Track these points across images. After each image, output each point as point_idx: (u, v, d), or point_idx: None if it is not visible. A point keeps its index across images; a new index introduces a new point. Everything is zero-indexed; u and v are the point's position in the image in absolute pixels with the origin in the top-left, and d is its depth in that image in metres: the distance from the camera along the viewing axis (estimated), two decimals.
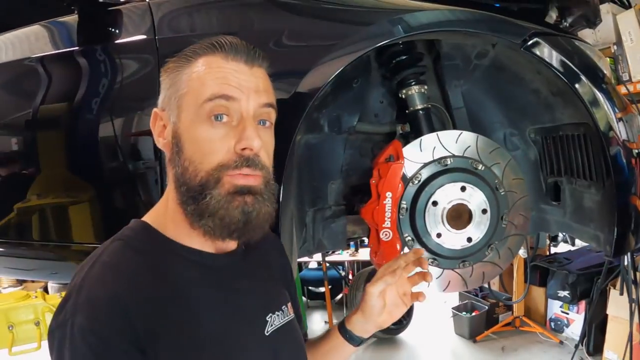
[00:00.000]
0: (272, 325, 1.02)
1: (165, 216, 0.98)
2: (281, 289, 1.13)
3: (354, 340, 1.17)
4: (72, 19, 1.57)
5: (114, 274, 0.87)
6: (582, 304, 4.56)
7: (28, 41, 1.68)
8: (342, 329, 1.17)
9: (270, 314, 1.03)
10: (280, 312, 1.06)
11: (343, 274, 6.34)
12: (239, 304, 0.98)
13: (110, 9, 1.50)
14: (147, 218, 1.00)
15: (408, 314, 5.59)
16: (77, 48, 1.55)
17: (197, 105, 0.91)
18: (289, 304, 1.11)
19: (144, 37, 1.44)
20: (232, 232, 0.92)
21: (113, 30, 1.50)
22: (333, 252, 5.50)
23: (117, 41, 1.49)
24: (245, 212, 0.91)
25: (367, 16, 1.40)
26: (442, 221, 1.41)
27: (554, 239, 5.80)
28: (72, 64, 1.57)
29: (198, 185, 0.91)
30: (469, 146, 1.43)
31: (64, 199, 1.58)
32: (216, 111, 0.91)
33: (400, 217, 1.42)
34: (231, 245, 1.02)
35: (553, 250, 5.69)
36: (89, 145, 1.48)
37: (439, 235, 1.42)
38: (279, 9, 1.47)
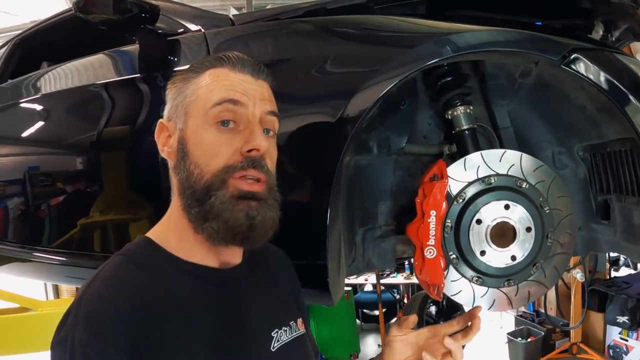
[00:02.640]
0: (278, 341, 1.01)
1: (168, 230, 0.99)
2: (290, 305, 1.13)
3: None
4: (133, 48, 1.69)
5: (113, 288, 0.87)
6: None
7: (93, 68, 1.81)
8: None
9: (277, 330, 1.02)
10: (288, 327, 1.06)
11: (398, 297, 6.30)
12: (241, 320, 0.97)
13: (168, 39, 1.61)
14: (151, 234, 1.01)
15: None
16: (138, 75, 1.67)
17: (204, 109, 0.94)
18: (299, 320, 1.11)
19: None
20: (236, 235, 0.92)
21: (172, 58, 1.60)
22: (383, 271, 5.47)
23: (175, 69, 1.58)
24: (250, 217, 0.91)
25: (411, 40, 1.44)
26: (486, 239, 1.41)
27: (614, 263, 5.60)
28: (133, 89, 1.69)
29: (203, 187, 0.92)
30: (512, 164, 1.42)
31: (124, 215, 1.68)
32: (224, 116, 0.93)
33: (445, 235, 1.42)
34: (236, 259, 1.03)
35: (614, 274, 5.49)
36: (149, 166, 1.57)
37: (482, 253, 1.42)
38: (330, 35, 1.54)
